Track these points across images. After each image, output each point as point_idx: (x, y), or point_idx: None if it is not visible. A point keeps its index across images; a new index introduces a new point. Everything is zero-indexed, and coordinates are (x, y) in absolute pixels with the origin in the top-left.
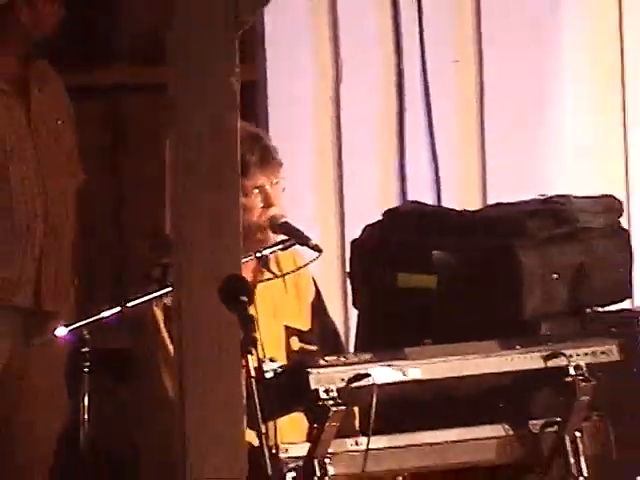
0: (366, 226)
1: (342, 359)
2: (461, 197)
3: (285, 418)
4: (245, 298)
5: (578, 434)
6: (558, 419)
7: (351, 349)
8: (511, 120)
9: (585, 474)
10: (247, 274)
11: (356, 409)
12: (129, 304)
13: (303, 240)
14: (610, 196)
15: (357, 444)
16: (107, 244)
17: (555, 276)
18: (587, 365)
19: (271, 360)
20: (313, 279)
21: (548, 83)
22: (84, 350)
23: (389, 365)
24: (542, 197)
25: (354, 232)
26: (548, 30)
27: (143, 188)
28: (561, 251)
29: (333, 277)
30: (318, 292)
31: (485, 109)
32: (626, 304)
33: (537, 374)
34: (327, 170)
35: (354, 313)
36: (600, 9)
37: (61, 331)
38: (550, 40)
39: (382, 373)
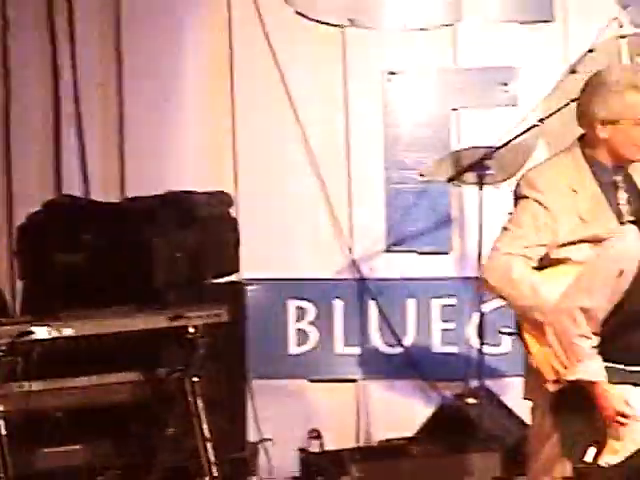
0: (29, 214)
1: (10, 319)
2: (105, 192)
3: None
4: None
5: (196, 379)
6: (181, 367)
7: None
8: (148, 128)
9: (201, 410)
10: None
11: None
12: None
13: None
14: (222, 191)
15: (22, 387)
16: None
17: (179, 254)
18: (203, 325)
19: None
20: None
21: (175, 97)
22: None
23: (47, 325)
24: (171, 192)
25: (20, 219)
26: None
27: None
28: (184, 235)
29: (1, 255)
30: None
31: (125, 122)
32: (234, 277)
33: (164, 332)
34: None
35: (19, 284)
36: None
37: None
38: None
39: (42, 331)
